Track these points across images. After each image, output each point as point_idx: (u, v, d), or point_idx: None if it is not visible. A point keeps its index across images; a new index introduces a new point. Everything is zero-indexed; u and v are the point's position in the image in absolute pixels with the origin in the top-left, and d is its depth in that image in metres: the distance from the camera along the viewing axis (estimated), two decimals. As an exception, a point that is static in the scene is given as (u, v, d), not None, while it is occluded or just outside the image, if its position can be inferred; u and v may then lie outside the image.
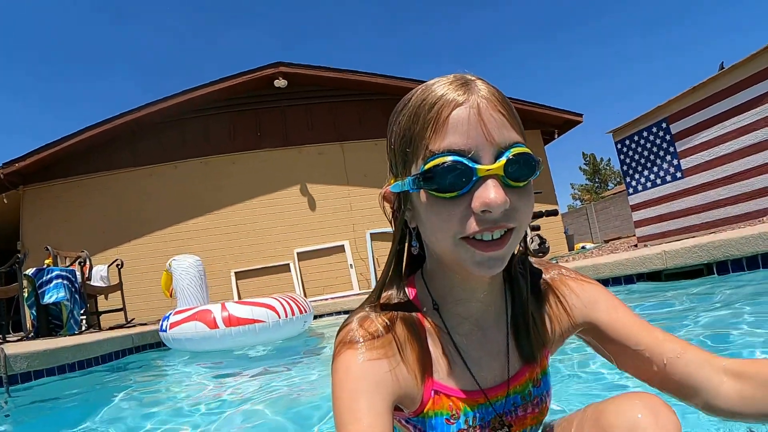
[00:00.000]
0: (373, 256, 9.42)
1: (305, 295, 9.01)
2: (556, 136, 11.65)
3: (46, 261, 7.26)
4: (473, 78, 0.66)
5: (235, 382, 3.46)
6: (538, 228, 7.16)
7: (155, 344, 4.29)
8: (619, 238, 16.66)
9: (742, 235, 3.00)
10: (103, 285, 6.75)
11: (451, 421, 0.72)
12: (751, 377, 0.70)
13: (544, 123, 11.02)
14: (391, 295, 0.77)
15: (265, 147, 9.63)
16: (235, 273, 9.10)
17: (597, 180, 44.58)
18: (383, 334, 0.70)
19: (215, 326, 3.52)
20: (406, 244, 0.78)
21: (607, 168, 43.98)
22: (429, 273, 0.78)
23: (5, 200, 8.98)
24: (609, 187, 42.53)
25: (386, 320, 0.72)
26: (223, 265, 9.11)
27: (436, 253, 0.72)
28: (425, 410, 0.72)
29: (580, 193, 44.92)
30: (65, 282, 5.35)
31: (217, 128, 9.64)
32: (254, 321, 3.60)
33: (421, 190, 0.65)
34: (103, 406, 3.01)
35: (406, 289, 0.78)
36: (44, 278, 5.27)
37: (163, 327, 3.75)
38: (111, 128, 9.01)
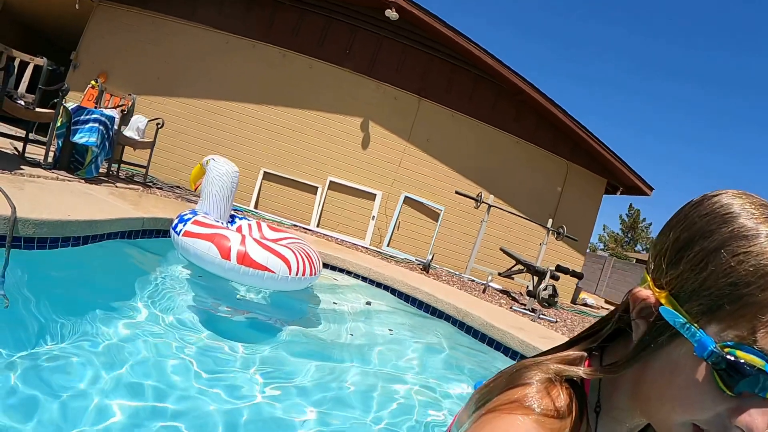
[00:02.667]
0: (397, 218, 9.24)
1: (318, 224, 8.92)
2: (618, 193, 11.20)
3: (92, 82, 7.11)
4: None
5: (225, 319, 3.45)
6: (557, 278, 6.98)
7: (163, 233, 4.18)
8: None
9: None
10: (137, 138, 6.58)
11: None
12: None
13: (615, 176, 10.53)
14: (573, 367, 0.65)
15: (348, 67, 9.25)
16: (264, 173, 8.95)
17: (630, 236, 43.70)
18: (565, 416, 0.58)
19: (227, 257, 3.37)
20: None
21: (644, 231, 43.08)
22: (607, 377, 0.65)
23: (77, 6, 8.74)
24: (636, 248, 41.85)
25: (569, 397, 0.61)
26: (257, 159, 8.96)
27: (644, 403, 0.59)
28: None
29: (608, 238, 44.21)
30: (101, 127, 5.16)
31: (310, 27, 9.22)
32: (265, 269, 3.45)
33: (704, 362, 0.52)
34: (98, 291, 3.01)
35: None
36: (81, 117, 5.09)
37: (178, 229, 3.61)
38: (207, -21, 8.66)
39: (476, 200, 8.38)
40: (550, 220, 9.15)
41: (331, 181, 9.10)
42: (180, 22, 8.97)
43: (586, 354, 0.67)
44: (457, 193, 8.48)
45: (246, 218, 4.77)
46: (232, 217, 4.64)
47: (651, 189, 10.71)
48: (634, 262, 25.76)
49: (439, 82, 9.53)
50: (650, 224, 43.32)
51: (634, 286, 0.63)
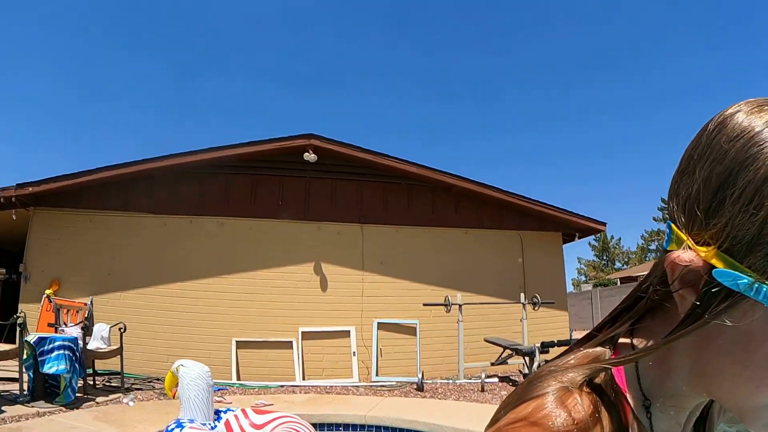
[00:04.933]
0: (377, 346, 9.21)
1: (303, 377, 8.79)
2: (576, 239, 11.62)
3: (47, 291, 7.10)
4: None
5: None
6: (547, 352, 7.07)
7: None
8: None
9: None
10: (104, 347, 6.59)
11: None
12: None
13: (568, 227, 10.95)
14: (592, 365, 0.52)
15: (284, 217, 9.50)
16: (237, 342, 8.87)
17: (605, 258, 44.52)
18: (588, 428, 0.46)
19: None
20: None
21: (617, 247, 44.03)
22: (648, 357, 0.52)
23: (14, 217, 8.83)
24: (616, 266, 42.54)
25: (592, 404, 0.48)
26: (226, 331, 8.89)
27: (711, 385, 0.48)
28: None
29: (586, 268, 44.85)
30: (67, 352, 5.22)
31: (238, 190, 9.53)
32: (262, 470, 3.43)
33: None
34: None
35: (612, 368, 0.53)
36: (45, 347, 5.13)
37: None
38: (130, 172, 8.90)
39: (445, 305, 8.50)
40: (522, 294, 9.31)
41: (303, 332, 9.07)
42: (115, 215, 9.09)
43: (608, 350, 0.54)
44: (425, 305, 8.60)
45: (230, 409, 4.73)
46: (217, 412, 4.61)
47: (603, 224, 11.20)
48: (618, 284, 26.07)
49: (375, 203, 9.88)
50: (620, 239, 44.41)
51: (665, 251, 0.49)
